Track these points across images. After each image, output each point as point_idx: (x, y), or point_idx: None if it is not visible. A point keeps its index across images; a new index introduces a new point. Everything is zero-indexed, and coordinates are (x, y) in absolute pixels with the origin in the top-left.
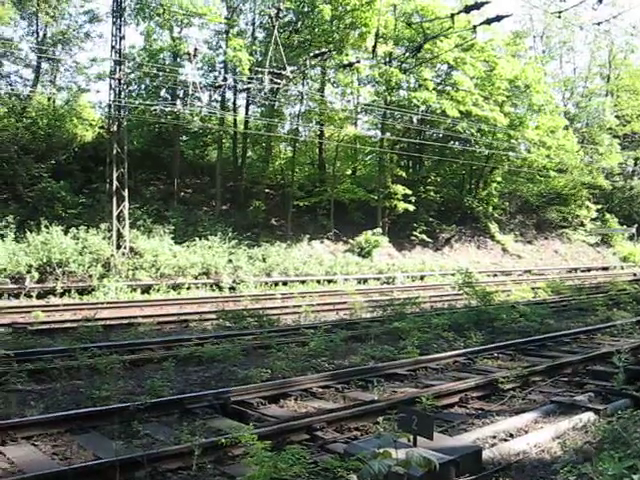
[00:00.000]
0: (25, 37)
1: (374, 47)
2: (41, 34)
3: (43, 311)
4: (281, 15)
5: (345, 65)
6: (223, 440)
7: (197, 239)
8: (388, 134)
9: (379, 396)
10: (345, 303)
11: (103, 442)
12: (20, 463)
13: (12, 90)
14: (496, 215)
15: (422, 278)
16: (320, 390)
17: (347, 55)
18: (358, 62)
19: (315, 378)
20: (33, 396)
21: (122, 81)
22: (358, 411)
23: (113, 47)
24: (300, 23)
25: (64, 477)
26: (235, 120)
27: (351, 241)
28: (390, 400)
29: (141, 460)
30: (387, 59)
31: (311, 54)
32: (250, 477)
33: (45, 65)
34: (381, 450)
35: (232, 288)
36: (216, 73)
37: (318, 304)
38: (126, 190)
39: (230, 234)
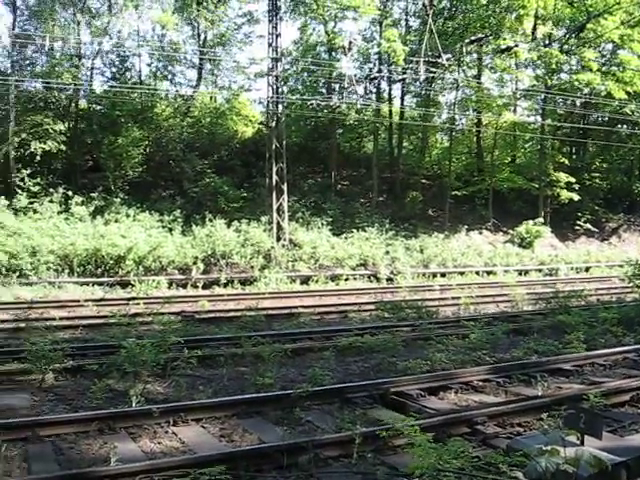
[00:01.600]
0: (188, 40)
1: (533, 29)
2: (202, 37)
3: (209, 300)
4: (435, 2)
5: (502, 50)
6: (385, 431)
7: (354, 230)
8: (549, 120)
9: (543, 392)
10: (506, 295)
11: (267, 427)
12: (190, 443)
13: (177, 91)
14: None
15: (587, 270)
16: (481, 384)
17: (504, 39)
18: (516, 46)
19: (475, 371)
20: (201, 381)
21: (279, 78)
22: (520, 406)
23: (270, 45)
24: (455, 9)
25: (232, 459)
26: (390, 111)
27: (511, 231)
28: (555, 396)
29: (305, 446)
30: (546, 41)
31: (467, 40)
32: (415, 467)
33: (207, 66)
34: (548, 447)
35: (389, 279)
36: (371, 65)
37: (477, 296)
38: (285, 184)
39: (387, 225)
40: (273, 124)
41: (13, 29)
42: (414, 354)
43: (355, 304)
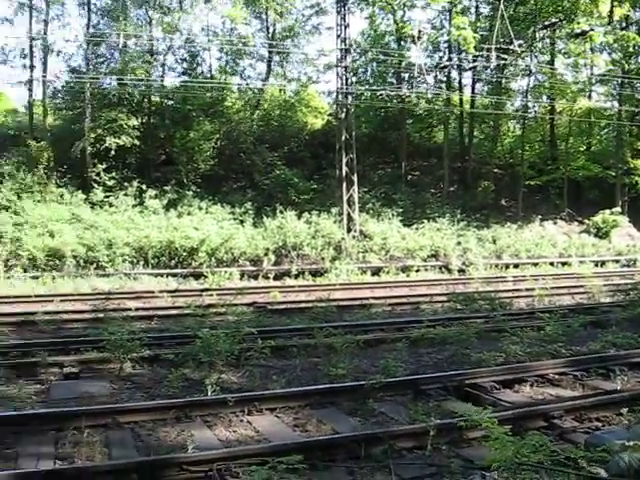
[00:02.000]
0: (257, 34)
1: (610, 11)
2: (271, 30)
3: (280, 291)
4: None
5: (577, 34)
6: (463, 422)
7: (425, 221)
8: (626, 105)
9: (622, 386)
10: (581, 287)
11: (340, 417)
12: (265, 432)
13: (247, 84)
14: None
15: None
16: (557, 377)
17: (578, 23)
18: (591, 29)
19: (551, 364)
20: (275, 371)
21: (348, 69)
22: (599, 400)
23: (338, 36)
24: None
25: (307, 448)
26: (461, 100)
27: (586, 221)
28: (635, 391)
29: (380, 437)
30: (623, 23)
31: (539, 25)
32: (492, 460)
33: (276, 58)
34: (631, 443)
35: (461, 270)
36: (440, 53)
37: (552, 287)
38: (355, 175)
39: (458, 216)
40: (342, 115)
41: (87, 29)
42: (488, 346)
43: (427, 295)
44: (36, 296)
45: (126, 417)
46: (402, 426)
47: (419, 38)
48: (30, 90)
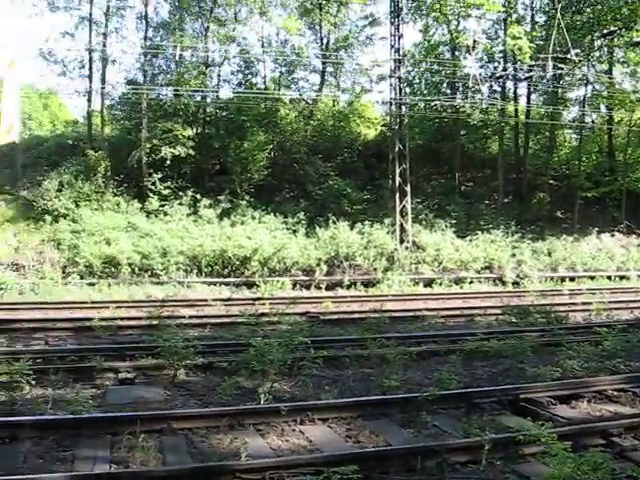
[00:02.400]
0: (310, 45)
1: None
2: (325, 41)
3: (332, 302)
4: None
5: (636, 42)
6: (521, 437)
7: (479, 233)
8: None
9: None
10: None
11: (393, 429)
12: (317, 442)
13: (301, 95)
14: None
15: None
16: (615, 393)
17: (637, 31)
18: None
19: (610, 380)
20: (327, 381)
21: (402, 79)
22: None
23: (392, 46)
24: (584, 2)
25: (360, 459)
26: (516, 110)
27: None
28: None
29: (435, 450)
30: None
31: (597, 34)
32: (551, 476)
33: (330, 69)
34: None
35: (516, 283)
36: (495, 63)
37: (610, 301)
38: (408, 185)
39: (513, 227)
40: (396, 126)
41: (145, 41)
42: (543, 360)
43: (480, 308)
44: (92, 302)
45: (180, 423)
46: (456, 440)
47: (474, 48)
48: (89, 101)
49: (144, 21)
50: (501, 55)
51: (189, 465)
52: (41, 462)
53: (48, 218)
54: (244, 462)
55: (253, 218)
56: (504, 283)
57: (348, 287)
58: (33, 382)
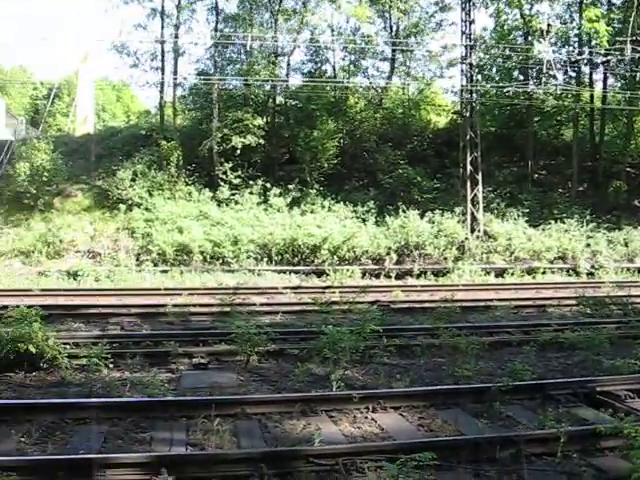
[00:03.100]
0: (380, 32)
1: None
2: (394, 28)
3: (402, 291)
4: None
5: None
6: (602, 428)
7: (552, 222)
8: None
9: None
10: None
11: (465, 419)
12: (389, 430)
13: (370, 83)
14: None
15: None
16: None
17: None
18: None
19: None
20: (398, 370)
21: (473, 65)
22: None
23: (463, 32)
24: None
25: (433, 448)
26: (592, 96)
27: None
28: None
29: (514, 440)
30: None
31: None
32: (634, 470)
33: (399, 57)
34: None
35: (590, 273)
36: (570, 48)
37: None
38: (479, 174)
39: (587, 217)
40: (467, 113)
41: (215, 31)
42: (621, 353)
43: (554, 298)
44: (165, 289)
45: (254, 408)
46: (531, 431)
47: (548, 32)
48: (161, 92)
49: (214, 13)
50: (576, 39)
51: (263, 449)
52: (120, 443)
53: (122, 207)
54: (317, 447)
55: (323, 207)
56: (578, 274)
57: (418, 276)
58: (111, 365)
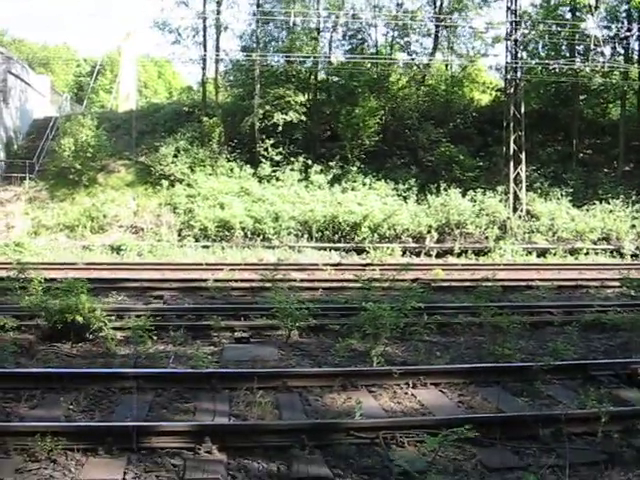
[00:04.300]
0: (424, 8)
1: None
2: (438, 3)
3: (443, 269)
4: None
5: None
6: None
7: (597, 202)
8: None
9: None
10: None
11: (506, 397)
12: (429, 405)
13: (412, 60)
14: None
15: None
16: None
17: None
18: None
19: None
20: (438, 347)
21: (518, 42)
22: None
23: (508, 8)
24: None
25: (473, 424)
26: None
27: None
28: None
29: (557, 417)
30: None
31: None
32: None
33: (443, 33)
34: None
35: (635, 255)
36: (619, 24)
37: None
38: (523, 152)
39: (634, 197)
40: (511, 90)
41: (257, 7)
42: None
43: (597, 280)
44: (207, 264)
45: (295, 381)
46: (571, 410)
47: (596, 8)
48: (203, 69)
49: None
50: (625, 15)
51: (305, 421)
52: (164, 412)
53: (165, 183)
54: (358, 421)
55: (364, 184)
56: (622, 255)
57: (459, 255)
58: (155, 338)
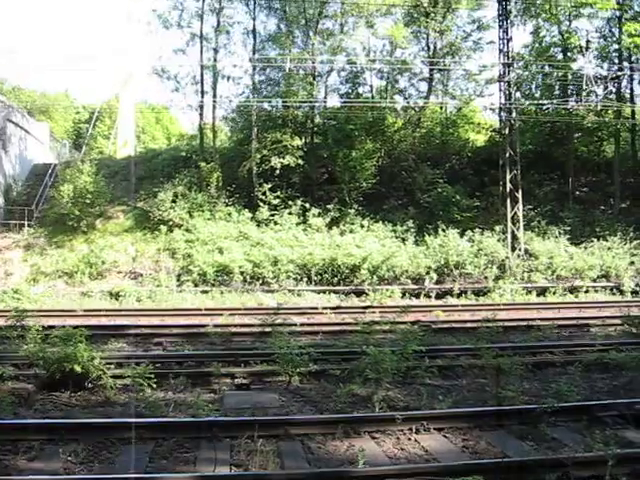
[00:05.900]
0: (417, 52)
1: None
2: (432, 47)
3: (443, 310)
4: None
5: None
6: None
7: (594, 240)
8: None
9: None
10: None
11: (511, 441)
12: (433, 451)
13: (408, 103)
14: None
15: None
16: None
17: None
18: None
19: None
20: (441, 390)
21: (511, 83)
22: None
23: (501, 50)
24: None
25: (478, 470)
26: (633, 112)
27: None
28: None
29: (563, 462)
30: None
31: None
32: None
33: (437, 76)
34: None
35: (635, 292)
36: (610, 63)
37: None
38: (519, 192)
39: (631, 234)
40: (506, 131)
41: (253, 53)
42: None
43: (597, 318)
44: (206, 309)
45: (297, 429)
46: (578, 453)
47: (587, 48)
48: (201, 115)
49: (252, 35)
50: (616, 54)
51: (308, 470)
52: (165, 462)
53: (163, 228)
54: (362, 469)
55: (362, 226)
56: (622, 292)
57: (458, 296)
58: (154, 385)
